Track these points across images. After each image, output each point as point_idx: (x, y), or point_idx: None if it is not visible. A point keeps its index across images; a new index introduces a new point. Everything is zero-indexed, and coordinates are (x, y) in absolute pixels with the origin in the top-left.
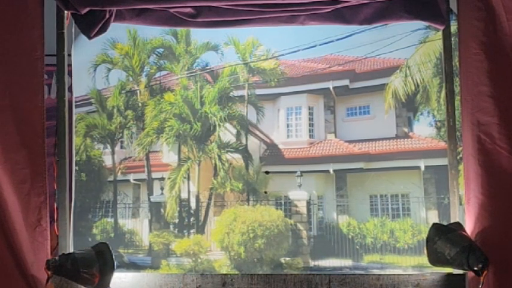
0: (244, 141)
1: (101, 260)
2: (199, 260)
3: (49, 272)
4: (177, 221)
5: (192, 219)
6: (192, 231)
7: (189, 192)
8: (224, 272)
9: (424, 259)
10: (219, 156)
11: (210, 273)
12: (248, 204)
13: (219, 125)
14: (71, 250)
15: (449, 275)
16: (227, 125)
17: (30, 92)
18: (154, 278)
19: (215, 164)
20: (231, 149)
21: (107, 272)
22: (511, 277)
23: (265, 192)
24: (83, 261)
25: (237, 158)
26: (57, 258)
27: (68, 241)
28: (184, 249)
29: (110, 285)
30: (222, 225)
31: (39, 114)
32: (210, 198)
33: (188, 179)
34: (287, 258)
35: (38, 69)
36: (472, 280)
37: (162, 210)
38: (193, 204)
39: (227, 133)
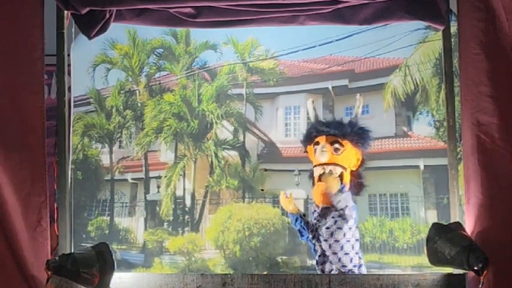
0: (241, 139)
1: (101, 260)
2: (193, 259)
3: (49, 272)
4: (171, 218)
5: (186, 217)
6: (186, 229)
7: (184, 189)
8: (220, 272)
9: (423, 259)
10: (216, 154)
11: (210, 273)
12: (244, 202)
13: (216, 123)
14: (71, 250)
15: (449, 274)
16: (224, 122)
17: (30, 92)
18: (154, 278)
19: (211, 162)
20: (228, 146)
21: (107, 272)
22: (511, 277)
23: (262, 190)
24: (83, 261)
25: (233, 156)
26: (57, 258)
27: (68, 241)
28: (178, 247)
29: (110, 285)
30: (217, 223)
31: (39, 114)
32: (205, 196)
33: (184, 176)
34: (284, 257)
35: (38, 69)
36: (472, 280)
37: (157, 208)
38: (188, 202)
39: (224, 130)
